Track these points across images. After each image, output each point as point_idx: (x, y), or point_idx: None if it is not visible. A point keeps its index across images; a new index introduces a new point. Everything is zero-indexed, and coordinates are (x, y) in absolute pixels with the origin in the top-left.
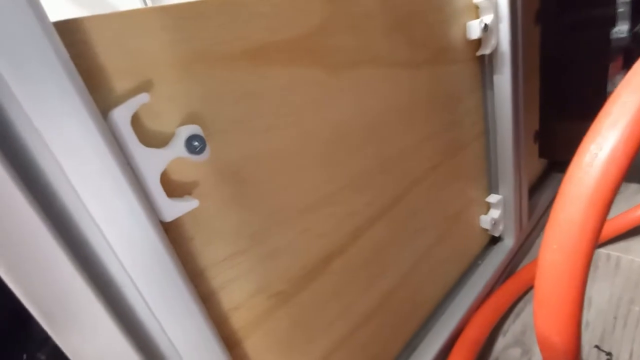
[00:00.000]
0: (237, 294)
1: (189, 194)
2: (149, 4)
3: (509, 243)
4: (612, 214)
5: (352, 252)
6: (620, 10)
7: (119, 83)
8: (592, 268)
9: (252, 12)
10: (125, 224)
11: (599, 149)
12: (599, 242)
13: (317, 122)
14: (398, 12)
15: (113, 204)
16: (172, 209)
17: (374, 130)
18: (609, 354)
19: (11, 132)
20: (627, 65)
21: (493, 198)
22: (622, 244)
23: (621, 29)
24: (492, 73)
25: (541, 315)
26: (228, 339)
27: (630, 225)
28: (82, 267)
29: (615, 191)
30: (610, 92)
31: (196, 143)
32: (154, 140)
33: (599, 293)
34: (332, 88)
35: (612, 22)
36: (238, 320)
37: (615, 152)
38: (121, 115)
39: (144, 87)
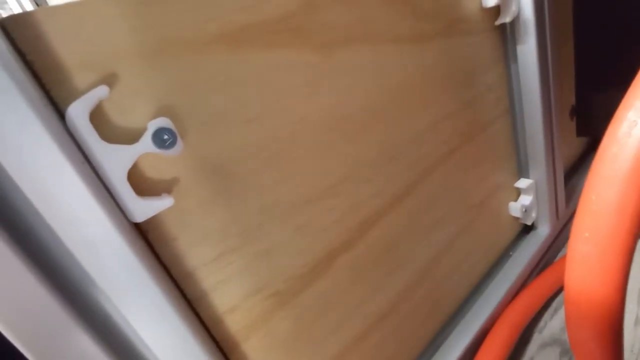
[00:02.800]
0: (231, 295)
1: (167, 192)
2: None
3: (543, 232)
4: None
5: (359, 248)
6: None
7: (79, 78)
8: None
9: None
10: (85, 226)
11: (638, 117)
12: None
13: (310, 108)
14: None
15: (70, 205)
16: (144, 208)
17: (378, 113)
18: None
19: None
20: None
21: (523, 183)
22: None
23: None
24: (515, 43)
25: (572, 316)
26: (225, 342)
27: None
28: (42, 275)
29: None
30: None
31: (166, 136)
32: (122, 136)
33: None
34: (325, 70)
35: None
36: (235, 322)
37: None
38: (77, 111)
39: (108, 80)
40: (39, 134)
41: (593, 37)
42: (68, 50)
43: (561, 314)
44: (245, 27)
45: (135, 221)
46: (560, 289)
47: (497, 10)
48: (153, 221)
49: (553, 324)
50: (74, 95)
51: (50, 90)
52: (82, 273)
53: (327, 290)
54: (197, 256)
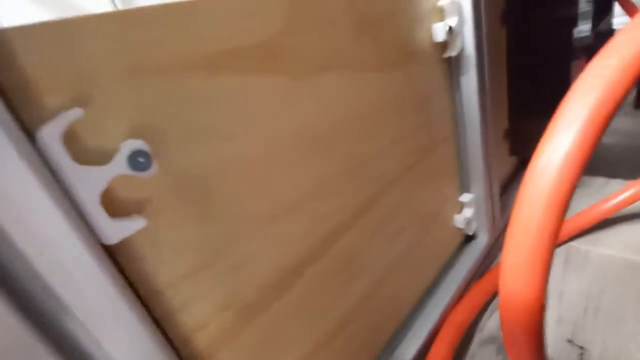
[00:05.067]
0: (202, 311)
1: (138, 212)
2: (119, 5)
3: (482, 240)
4: (581, 207)
5: (325, 259)
6: (583, 10)
7: (51, 98)
8: (563, 262)
9: (204, 18)
10: (57, 249)
11: (554, 152)
12: (569, 236)
13: (281, 129)
14: (364, 15)
15: (42, 228)
16: (117, 230)
17: (343, 134)
18: (581, 348)
19: None
20: (588, 61)
21: (466, 197)
22: (590, 237)
23: (583, 29)
24: (459, 75)
25: (505, 316)
26: (194, 359)
27: (598, 218)
28: (10, 300)
29: (571, 192)
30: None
31: (141, 159)
32: (95, 157)
33: (570, 287)
34: (296, 94)
35: (575, 22)
36: (205, 338)
37: (569, 155)
38: (50, 133)
39: (81, 101)
40: (8, 155)
41: (522, 71)
42: (39, 69)
43: (497, 315)
44: (224, 52)
45: (108, 243)
46: (496, 293)
47: (445, 45)
48: (121, 242)
49: (490, 324)
50: (44, 116)
51: (20, 110)
52: (51, 297)
53: (293, 302)
54: (166, 274)
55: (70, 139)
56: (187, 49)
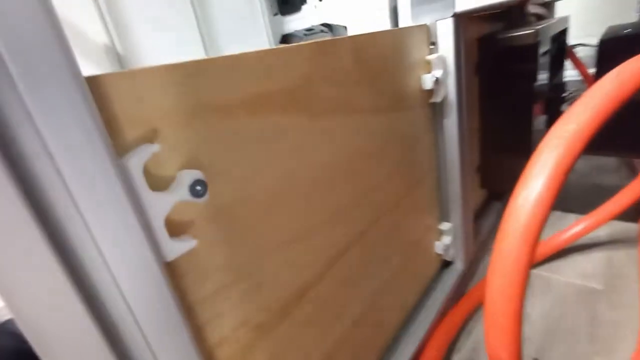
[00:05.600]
0: (222, 328)
1: (186, 233)
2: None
3: (458, 266)
4: (541, 238)
5: (326, 281)
6: (541, 62)
7: (130, 132)
8: (528, 287)
9: (248, 69)
10: (133, 264)
11: (528, 195)
12: (533, 264)
13: (302, 164)
14: (367, 69)
15: (124, 245)
16: (173, 249)
17: (349, 168)
18: None
19: (39, 184)
20: (548, 109)
21: (445, 226)
22: (550, 265)
23: (542, 79)
24: (442, 118)
25: (491, 333)
26: None
27: (557, 248)
28: (88, 304)
29: (542, 227)
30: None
31: (199, 187)
32: (156, 183)
33: (534, 310)
34: (314, 133)
35: (534, 77)
36: (224, 353)
37: (540, 198)
38: (134, 163)
39: (151, 135)
40: (111, 183)
41: (491, 114)
42: (124, 108)
43: (474, 336)
44: (258, 96)
45: (166, 260)
46: (471, 315)
47: (431, 93)
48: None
49: (468, 345)
50: (124, 147)
51: (109, 141)
52: (121, 303)
53: (299, 321)
54: (199, 292)
55: (144, 168)
56: (232, 94)
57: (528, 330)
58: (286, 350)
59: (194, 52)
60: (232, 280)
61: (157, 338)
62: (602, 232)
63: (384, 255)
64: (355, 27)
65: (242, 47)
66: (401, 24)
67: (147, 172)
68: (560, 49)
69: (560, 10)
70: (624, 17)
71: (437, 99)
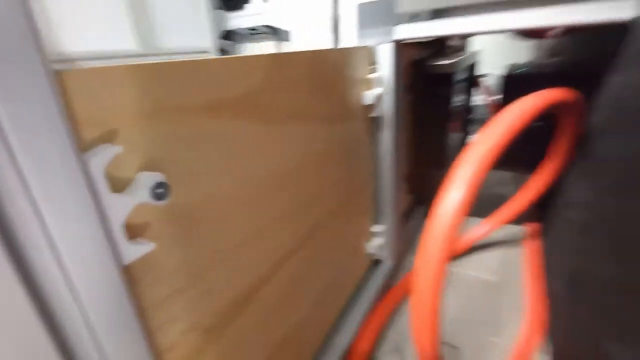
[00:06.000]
0: (173, 333)
1: (144, 236)
2: None
3: (388, 264)
4: None
5: (273, 283)
6: (457, 88)
7: (92, 131)
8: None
9: (210, 74)
10: (89, 267)
11: (449, 204)
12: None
13: (255, 167)
14: (319, 79)
15: (81, 246)
16: (131, 252)
17: (299, 173)
18: (455, 347)
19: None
20: (460, 127)
21: (378, 228)
22: (460, 262)
23: (458, 100)
24: (379, 131)
25: (417, 320)
26: None
27: (465, 247)
28: (39, 306)
29: (457, 232)
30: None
31: (160, 190)
32: (116, 185)
33: (447, 301)
34: (268, 138)
35: (450, 99)
36: (171, 359)
37: (456, 208)
38: (96, 163)
39: (113, 136)
40: (75, 184)
41: (418, 128)
42: (83, 106)
43: (398, 327)
44: (220, 100)
45: (124, 264)
46: (397, 308)
47: (371, 108)
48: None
49: (393, 335)
50: (82, 147)
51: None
52: (74, 307)
53: (247, 323)
54: (152, 296)
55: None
56: (193, 98)
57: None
58: (233, 352)
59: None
60: (185, 284)
61: (110, 343)
62: (498, 234)
63: (325, 256)
64: (299, 33)
65: (180, 39)
66: (342, 37)
67: (107, 173)
68: (471, 78)
69: (473, 45)
70: (521, 55)
71: (376, 113)
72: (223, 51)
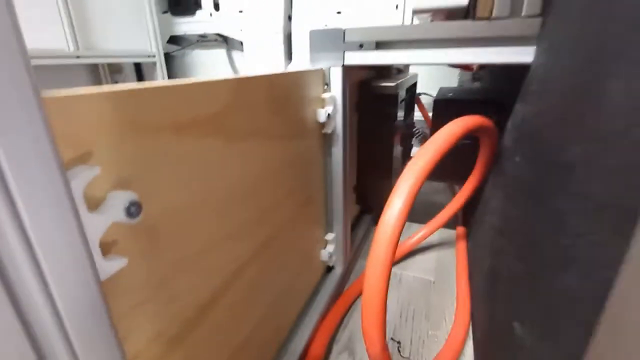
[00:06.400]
0: (138, 343)
1: (118, 252)
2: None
3: (339, 270)
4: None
5: (233, 290)
6: (400, 106)
7: (68, 153)
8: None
9: (178, 96)
10: (69, 285)
11: (392, 212)
12: None
13: (217, 181)
14: (277, 100)
15: (63, 263)
16: (106, 268)
17: (255, 187)
18: (398, 342)
19: None
20: (402, 141)
21: (330, 236)
22: (401, 264)
23: (400, 118)
24: (330, 146)
25: (366, 318)
26: None
27: (406, 250)
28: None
29: (399, 236)
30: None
31: (133, 208)
32: (92, 204)
33: (390, 300)
34: (229, 155)
35: (395, 117)
36: None
37: (398, 216)
38: (77, 185)
39: (89, 157)
40: (58, 203)
41: (364, 144)
42: (62, 129)
43: (349, 328)
44: (187, 120)
45: (100, 280)
46: (347, 310)
47: (324, 125)
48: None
49: (344, 336)
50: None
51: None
52: (54, 327)
53: (208, 331)
54: (118, 308)
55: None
56: (164, 118)
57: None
58: (195, 358)
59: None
60: (149, 294)
61: (85, 355)
62: (434, 237)
63: (281, 263)
64: (251, 44)
65: (121, 42)
66: (294, 53)
67: (85, 193)
68: (412, 97)
69: (413, 68)
70: (452, 79)
71: (328, 130)
72: (169, 56)
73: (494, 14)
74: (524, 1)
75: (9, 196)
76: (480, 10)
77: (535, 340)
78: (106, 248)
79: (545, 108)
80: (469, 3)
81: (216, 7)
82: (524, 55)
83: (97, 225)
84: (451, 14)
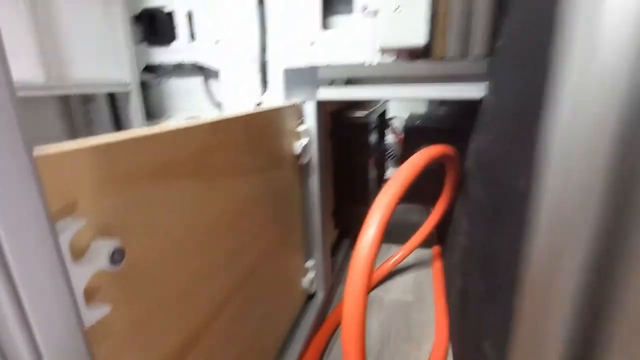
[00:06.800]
0: None
1: (101, 300)
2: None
3: (320, 296)
4: (375, 266)
5: (214, 327)
6: (372, 132)
7: (55, 205)
8: (370, 305)
9: (160, 142)
10: (56, 333)
11: (367, 238)
12: (372, 286)
13: (199, 219)
14: (254, 138)
15: (49, 313)
16: (90, 317)
17: (236, 221)
18: None
19: None
20: (377, 163)
21: (310, 263)
22: (383, 287)
23: (373, 142)
24: (307, 176)
25: (346, 343)
26: None
27: (385, 273)
28: None
29: (374, 261)
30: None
31: (116, 256)
32: (76, 254)
33: (373, 323)
34: (209, 192)
35: (368, 140)
36: None
37: (372, 242)
38: (65, 237)
39: (75, 209)
40: (48, 256)
41: (340, 170)
42: (50, 184)
43: (333, 353)
44: (168, 163)
45: (85, 328)
46: (331, 336)
47: (300, 156)
48: None
49: None
50: (52, 220)
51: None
52: None
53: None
54: (101, 352)
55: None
56: (146, 165)
57: (368, 339)
58: None
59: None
60: (132, 338)
61: None
62: (411, 258)
63: (263, 294)
64: (227, 74)
65: (95, 71)
66: (270, 83)
67: (70, 244)
68: (383, 122)
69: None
70: (421, 102)
71: (304, 161)
72: (145, 85)
73: (447, 55)
74: (472, 44)
75: (2, 253)
76: (436, 52)
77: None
78: (89, 295)
79: (495, 138)
80: (428, 43)
81: (192, 37)
82: (476, 91)
83: (81, 274)
84: (413, 52)
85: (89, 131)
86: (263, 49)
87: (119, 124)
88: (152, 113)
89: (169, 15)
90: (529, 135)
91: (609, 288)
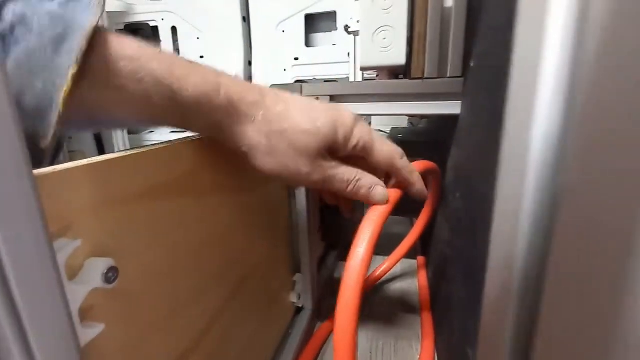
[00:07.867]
0: None
1: (95, 318)
2: None
3: (308, 310)
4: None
5: (208, 340)
6: None
7: (53, 226)
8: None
9: (151, 163)
10: (52, 352)
11: (356, 258)
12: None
13: (189, 236)
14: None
15: (47, 333)
16: (85, 336)
17: (225, 237)
18: None
19: None
20: None
21: (297, 277)
22: (369, 299)
23: None
24: (295, 191)
25: (337, 346)
26: None
27: (371, 285)
28: None
29: (364, 278)
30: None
31: (111, 274)
32: (71, 273)
33: (361, 337)
34: (199, 210)
35: None
36: None
37: (362, 260)
38: (62, 257)
39: (70, 229)
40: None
41: None
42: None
43: None
44: (159, 183)
45: (81, 347)
46: (319, 350)
47: None
48: None
49: None
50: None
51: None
52: None
53: None
54: None
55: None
56: (137, 185)
57: (358, 351)
58: None
59: None
60: (124, 356)
61: None
62: (397, 268)
63: (252, 309)
64: None
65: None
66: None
67: (66, 263)
68: None
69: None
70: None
71: None
72: None
73: (425, 75)
74: (449, 65)
75: (3, 273)
76: (414, 72)
77: None
78: (84, 314)
79: (470, 154)
80: (406, 63)
81: (177, 52)
82: (453, 108)
83: (77, 293)
84: (393, 70)
85: (68, 143)
86: (248, 64)
87: (100, 139)
88: (134, 129)
89: (154, 30)
90: (493, 147)
91: (545, 291)
